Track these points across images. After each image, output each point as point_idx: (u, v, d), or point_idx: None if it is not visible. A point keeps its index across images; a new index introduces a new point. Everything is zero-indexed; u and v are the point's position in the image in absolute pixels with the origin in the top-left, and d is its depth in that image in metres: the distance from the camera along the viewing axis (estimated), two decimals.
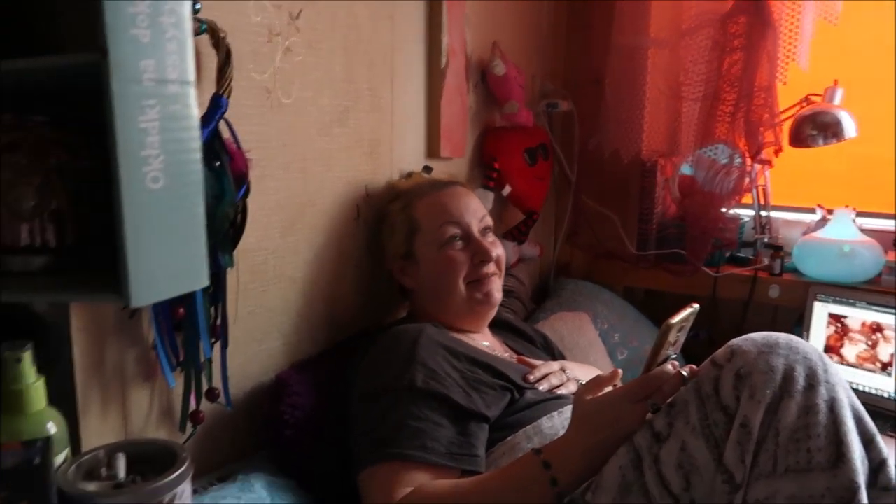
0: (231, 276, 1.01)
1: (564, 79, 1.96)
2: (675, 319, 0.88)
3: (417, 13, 1.37)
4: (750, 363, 0.84)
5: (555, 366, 1.22)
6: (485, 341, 1.23)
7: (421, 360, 1.02)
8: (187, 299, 0.90)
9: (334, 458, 1.05)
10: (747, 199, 1.82)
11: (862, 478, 0.77)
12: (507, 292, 1.69)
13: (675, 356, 0.93)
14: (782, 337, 0.86)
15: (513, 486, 0.91)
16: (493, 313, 1.26)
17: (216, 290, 0.96)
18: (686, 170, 1.86)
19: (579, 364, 1.33)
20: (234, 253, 1.00)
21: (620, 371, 0.98)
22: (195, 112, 0.64)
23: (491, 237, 1.25)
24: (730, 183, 1.73)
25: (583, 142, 1.91)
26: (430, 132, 1.44)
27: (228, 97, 0.93)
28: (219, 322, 0.97)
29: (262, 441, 1.06)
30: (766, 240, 1.83)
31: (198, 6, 0.86)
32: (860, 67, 1.78)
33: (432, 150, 1.45)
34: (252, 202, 1.03)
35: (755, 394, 0.81)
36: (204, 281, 0.61)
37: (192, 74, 0.64)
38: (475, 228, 1.22)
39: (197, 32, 0.87)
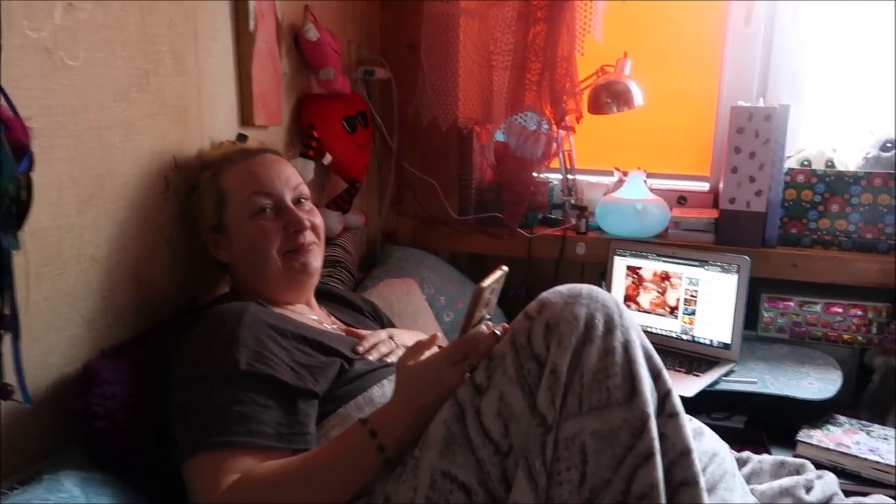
0: (19, 260, 0.91)
1: (382, 46, 1.96)
2: (486, 283, 0.93)
3: None
4: (557, 314, 0.91)
5: (383, 334, 1.23)
6: (312, 315, 1.21)
7: (244, 341, 0.98)
8: None
9: (155, 449, 0.99)
10: (555, 164, 1.95)
11: (652, 408, 0.87)
12: (333, 262, 1.69)
13: (489, 317, 0.99)
14: (584, 288, 0.95)
15: (341, 456, 0.92)
16: (312, 283, 1.24)
17: (1, 276, 0.86)
18: (500, 136, 1.95)
19: (407, 330, 1.36)
20: (21, 233, 0.90)
21: (439, 335, 1.02)
22: None
23: (308, 206, 1.22)
24: (539, 148, 1.84)
25: (402, 109, 1.92)
26: (242, 99, 1.38)
27: None
28: (7, 312, 0.87)
29: (73, 437, 0.98)
30: (573, 201, 1.98)
31: None
32: (648, 41, 1.96)
33: (246, 117, 1.39)
34: (39, 176, 0.92)
35: (562, 342, 0.88)
36: None
37: None
38: (288, 198, 1.17)
39: None
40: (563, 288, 0.96)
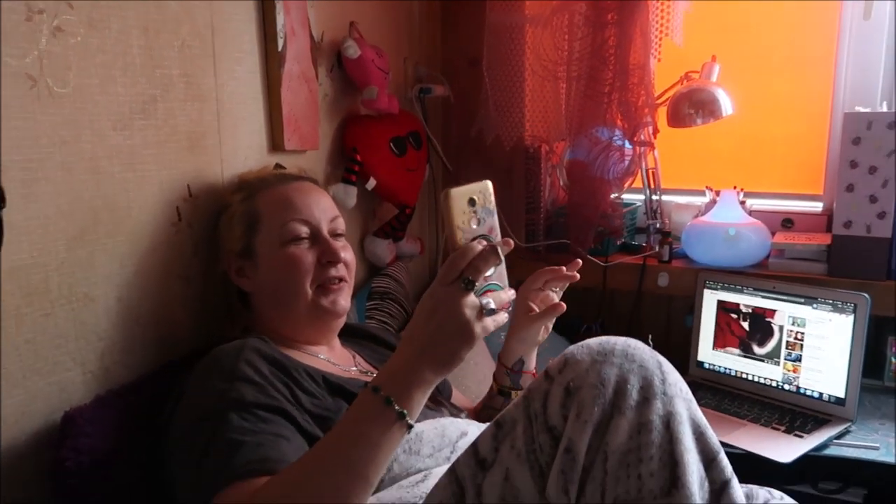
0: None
1: (442, 62, 1.83)
2: (458, 188, 0.76)
3: None
4: (581, 375, 0.73)
5: None
6: (322, 354, 1.09)
7: (245, 377, 0.88)
8: None
9: None
10: (639, 183, 1.74)
11: None
12: (381, 294, 1.57)
13: (491, 239, 0.79)
14: (619, 343, 0.76)
15: (354, 423, 0.76)
16: (338, 324, 1.12)
17: None
18: (571, 155, 1.76)
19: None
20: None
21: None
22: None
23: (342, 241, 1.12)
24: (615, 166, 1.64)
25: (461, 128, 1.78)
26: (271, 123, 1.29)
27: None
28: None
29: (48, 495, 0.90)
30: (657, 225, 1.75)
31: None
32: (741, 43, 1.71)
33: (276, 142, 1.30)
34: (18, 212, 0.88)
35: (582, 412, 0.70)
36: None
37: None
38: (324, 228, 1.09)
39: None
40: (595, 342, 0.78)
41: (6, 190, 0.84)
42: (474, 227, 0.78)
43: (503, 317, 0.77)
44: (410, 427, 0.74)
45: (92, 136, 0.97)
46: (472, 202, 0.77)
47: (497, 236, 0.80)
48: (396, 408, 0.73)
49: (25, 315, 0.91)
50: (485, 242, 0.77)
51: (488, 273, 0.77)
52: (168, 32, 1.08)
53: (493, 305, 0.75)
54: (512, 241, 0.78)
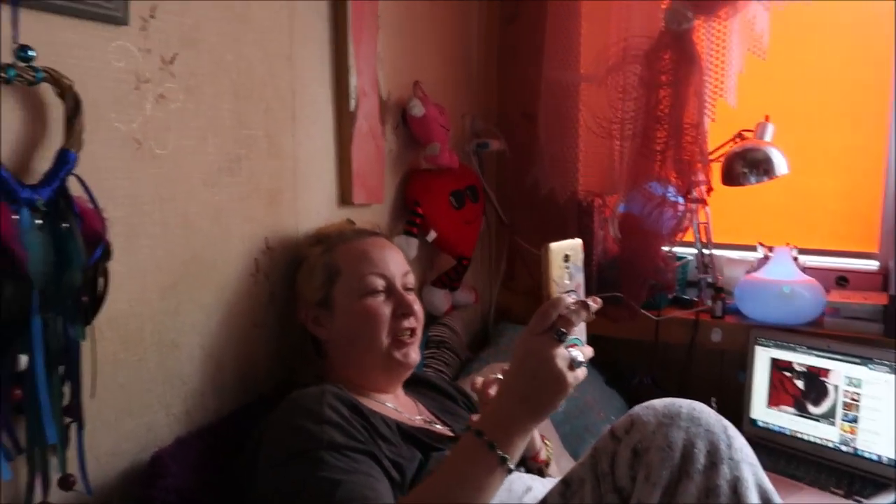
0: (100, 346, 0.92)
1: (497, 116, 1.90)
2: (557, 244, 0.83)
3: (320, 54, 1.30)
4: (648, 437, 0.76)
5: None
6: (390, 402, 1.13)
7: (331, 420, 0.93)
8: (25, 379, 0.80)
9: None
10: (690, 237, 1.76)
11: None
12: (437, 343, 1.61)
13: (574, 292, 0.85)
14: (685, 405, 0.79)
15: (457, 467, 0.82)
16: (407, 375, 1.17)
17: (69, 366, 0.86)
18: (624, 208, 1.80)
19: None
20: (100, 321, 0.91)
21: None
22: None
23: (412, 295, 1.17)
24: (668, 220, 1.67)
25: (516, 181, 1.84)
26: (341, 179, 1.36)
27: (79, 151, 0.85)
28: (74, 401, 0.88)
29: None
30: (709, 280, 1.77)
31: (30, 53, 0.78)
32: (793, 99, 1.74)
33: (345, 197, 1.37)
34: (120, 264, 0.95)
35: (651, 474, 0.73)
36: None
37: None
38: (398, 282, 1.15)
39: (32, 82, 0.79)
40: (660, 403, 0.81)
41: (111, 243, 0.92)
42: (566, 282, 0.83)
43: (585, 371, 0.81)
44: (511, 471, 0.78)
45: (185, 193, 1.05)
46: (566, 258, 0.83)
47: (582, 293, 0.85)
48: (499, 452, 0.77)
49: (121, 360, 0.98)
50: (574, 297, 0.82)
51: (572, 290, 0.83)
52: (254, 96, 1.16)
53: (581, 359, 0.80)
54: (600, 300, 0.83)
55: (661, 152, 1.57)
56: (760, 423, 1.54)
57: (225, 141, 1.11)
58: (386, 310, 1.12)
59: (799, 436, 1.47)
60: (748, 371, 1.57)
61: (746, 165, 1.54)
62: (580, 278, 0.86)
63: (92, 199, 0.87)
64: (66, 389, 0.87)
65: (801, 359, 1.49)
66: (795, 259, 1.66)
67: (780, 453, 1.46)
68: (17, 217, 0.77)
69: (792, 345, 1.51)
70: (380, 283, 1.12)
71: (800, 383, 1.49)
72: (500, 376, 0.97)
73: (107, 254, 0.90)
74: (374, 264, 1.13)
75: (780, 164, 1.53)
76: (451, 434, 1.13)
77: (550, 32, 1.72)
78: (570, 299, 0.81)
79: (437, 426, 1.14)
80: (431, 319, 1.66)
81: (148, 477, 0.96)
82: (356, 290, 1.12)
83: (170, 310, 1.04)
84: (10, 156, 0.81)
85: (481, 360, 1.69)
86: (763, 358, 1.56)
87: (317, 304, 1.14)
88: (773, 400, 1.53)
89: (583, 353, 0.81)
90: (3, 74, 0.76)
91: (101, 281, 0.90)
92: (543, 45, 1.73)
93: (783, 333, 1.54)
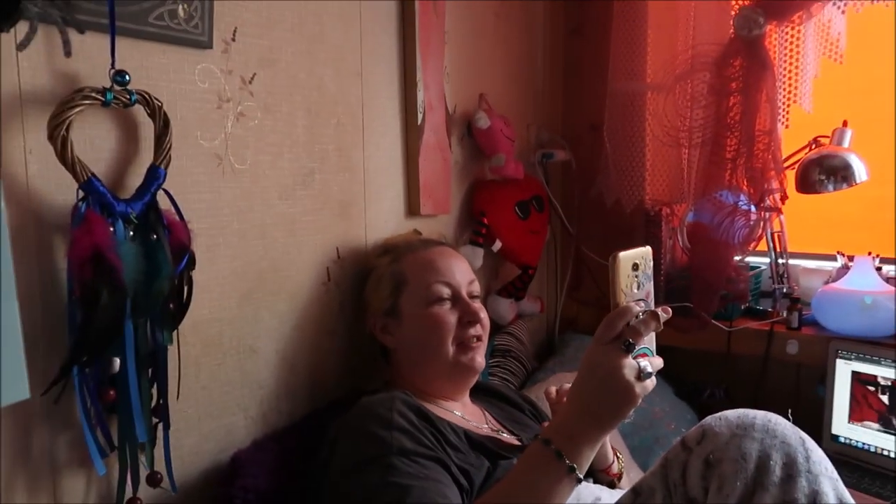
0: (184, 350, 0.98)
1: (563, 127, 1.90)
2: (625, 252, 0.81)
3: (389, 70, 1.34)
4: (721, 448, 0.75)
5: None
6: (457, 410, 1.15)
7: (401, 427, 0.95)
8: (118, 381, 0.86)
9: None
10: (763, 246, 1.71)
11: None
12: (504, 351, 1.62)
13: (644, 300, 0.84)
14: (759, 416, 0.77)
15: (525, 475, 0.83)
16: (473, 380, 1.19)
17: (156, 369, 0.92)
18: (692, 217, 1.76)
19: None
20: (184, 326, 0.96)
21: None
22: None
23: (477, 303, 1.19)
24: (739, 229, 1.63)
25: (581, 191, 1.83)
26: (409, 190, 1.40)
27: (167, 167, 0.90)
28: (161, 402, 0.93)
29: None
30: (784, 290, 1.72)
31: (126, 77, 0.84)
32: (874, 106, 1.67)
33: (412, 208, 1.40)
34: (202, 273, 1.00)
35: (724, 486, 0.72)
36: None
37: None
38: (464, 290, 1.17)
39: (127, 104, 0.85)
40: (732, 413, 0.80)
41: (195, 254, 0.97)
42: (635, 290, 0.82)
43: (654, 381, 0.80)
44: (580, 481, 0.79)
45: (262, 205, 1.10)
46: (635, 267, 0.82)
47: (652, 302, 0.84)
48: (567, 462, 0.78)
49: (203, 364, 1.03)
50: (643, 306, 0.81)
51: (642, 299, 0.82)
52: (326, 112, 1.21)
53: (650, 369, 0.79)
54: (670, 310, 0.82)
55: (731, 160, 1.54)
56: (842, 440, 1.48)
57: (299, 155, 1.16)
58: (452, 318, 1.14)
59: (884, 452, 1.40)
60: (828, 385, 1.51)
61: (823, 172, 1.49)
62: (649, 287, 0.84)
63: (178, 212, 0.93)
64: (154, 391, 0.92)
65: (886, 372, 1.43)
66: (879, 269, 1.60)
67: (864, 471, 1.40)
68: (113, 229, 0.83)
69: (876, 357, 1.45)
70: (445, 292, 1.14)
71: (884, 398, 1.43)
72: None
73: (191, 263, 0.95)
74: (440, 273, 1.15)
75: (860, 170, 1.48)
76: (518, 443, 1.13)
77: (615, 42, 1.71)
78: (639, 308, 0.80)
79: (504, 435, 1.15)
80: (497, 329, 1.67)
81: (228, 477, 1.00)
82: (423, 298, 1.14)
83: (247, 316, 1.09)
84: (107, 172, 0.88)
85: (547, 369, 1.68)
86: (844, 371, 1.50)
87: (384, 313, 1.17)
88: (856, 415, 1.47)
89: (651, 363, 0.80)
90: (102, 98, 0.81)
91: (185, 289, 0.95)
92: (609, 55, 1.72)
93: (866, 346, 1.48)
